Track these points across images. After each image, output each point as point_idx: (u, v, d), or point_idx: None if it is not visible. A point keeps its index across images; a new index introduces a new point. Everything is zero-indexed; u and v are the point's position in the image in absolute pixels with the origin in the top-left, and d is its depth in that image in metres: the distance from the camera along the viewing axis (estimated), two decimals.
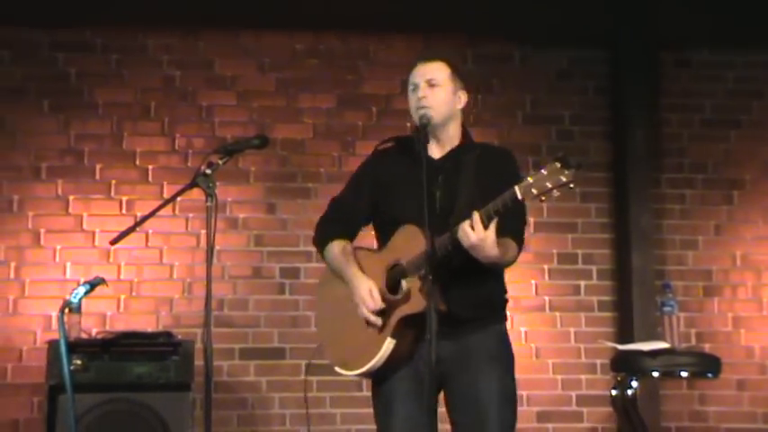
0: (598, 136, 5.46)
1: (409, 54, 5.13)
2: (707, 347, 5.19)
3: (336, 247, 3.03)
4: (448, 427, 2.92)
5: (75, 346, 4.09)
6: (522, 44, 5.48)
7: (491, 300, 2.98)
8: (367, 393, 3.10)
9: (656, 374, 4.30)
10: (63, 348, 2.92)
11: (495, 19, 5.30)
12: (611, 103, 5.48)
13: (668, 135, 5.49)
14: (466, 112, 3.09)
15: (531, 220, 5.24)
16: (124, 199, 5.07)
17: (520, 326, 5.19)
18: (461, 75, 3.05)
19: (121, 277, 4.99)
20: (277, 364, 4.98)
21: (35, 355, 4.74)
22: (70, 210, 5.02)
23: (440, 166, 2.89)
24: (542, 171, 2.61)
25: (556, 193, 2.62)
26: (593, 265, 5.33)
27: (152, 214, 3.04)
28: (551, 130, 5.42)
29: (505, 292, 3.03)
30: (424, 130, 2.85)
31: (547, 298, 5.28)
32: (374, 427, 2.98)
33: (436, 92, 2.96)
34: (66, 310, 2.93)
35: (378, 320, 2.84)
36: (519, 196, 2.63)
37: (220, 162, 2.94)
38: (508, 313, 3.04)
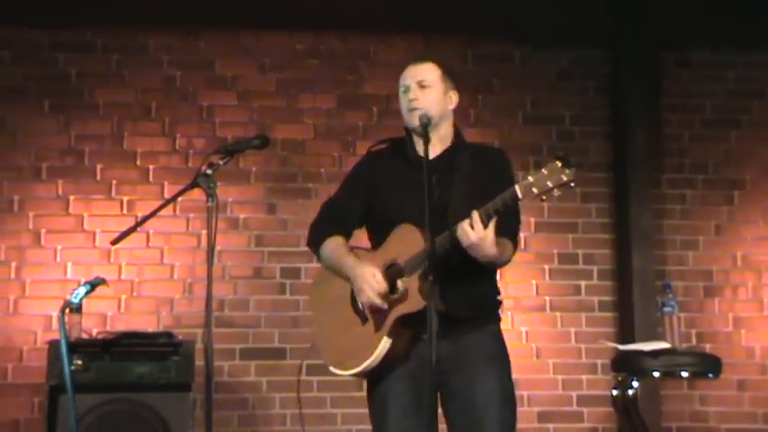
0: (598, 136, 5.46)
1: (409, 54, 5.09)
2: (707, 348, 5.19)
3: (332, 243, 3.03)
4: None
5: (75, 347, 4.09)
6: (523, 44, 5.48)
7: (487, 300, 2.99)
8: None
9: (656, 375, 4.30)
10: (64, 348, 2.92)
11: (495, 19, 5.30)
12: (611, 104, 5.48)
13: (669, 135, 5.49)
14: (457, 112, 3.09)
15: (531, 220, 5.27)
16: (125, 199, 5.07)
17: (520, 326, 5.19)
18: (452, 75, 3.06)
19: (122, 277, 4.99)
20: (278, 365, 4.98)
21: (36, 356, 4.75)
22: (71, 210, 5.02)
23: (434, 167, 2.88)
24: (543, 170, 2.62)
25: (556, 192, 2.63)
26: (594, 266, 5.34)
27: (153, 214, 3.04)
28: (552, 130, 5.42)
29: (499, 293, 3.04)
30: (425, 130, 2.85)
31: (547, 298, 5.28)
32: None
33: (427, 93, 2.97)
34: (67, 311, 2.93)
35: (384, 304, 2.83)
36: (519, 195, 2.64)
37: (221, 162, 2.94)
38: (501, 314, 3.04)
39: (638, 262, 5.19)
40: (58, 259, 4.97)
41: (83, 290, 2.91)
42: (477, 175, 2.91)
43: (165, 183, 5.09)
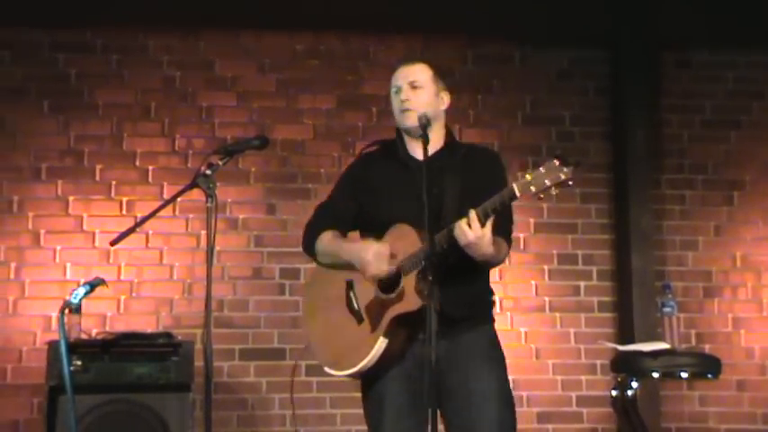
0: (598, 137, 5.46)
1: (409, 55, 5.14)
2: (707, 348, 5.19)
3: (328, 235, 3.04)
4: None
5: (75, 347, 4.09)
6: (522, 44, 5.48)
7: (482, 299, 3.01)
8: None
9: (656, 375, 4.29)
10: (63, 349, 2.91)
11: (495, 19, 5.30)
12: (611, 104, 5.48)
13: (668, 136, 5.49)
14: (450, 112, 3.10)
15: (530, 220, 5.28)
16: (124, 200, 5.07)
17: (520, 326, 5.19)
18: (442, 76, 3.07)
19: (121, 278, 4.99)
20: (277, 365, 4.98)
21: (35, 356, 4.75)
22: (70, 210, 5.02)
23: (427, 167, 2.87)
24: (541, 169, 2.63)
25: (554, 190, 2.63)
26: (594, 266, 5.34)
27: (152, 215, 3.04)
28: (551, 130, 5.42)
29: (493, 293, 3.05)
30: (425, 131, 2.85)
31: (547, 298, 5.28)
32: None
33: (419, 93, 2.99)
34: (67, 311, 2.92)
35: (392, 268, 2.81)
36: (517, 194, 2.65)
37: (220, 163, 2.94)
38: (494, 314, 3.05)
39: (638, 262, 5.19)
40: (58, 260, 4.97)
41: (82, 290, 2.90)
42: (471, 175, 2.92)
43: (165, 183, 5.09)
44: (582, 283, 5.31)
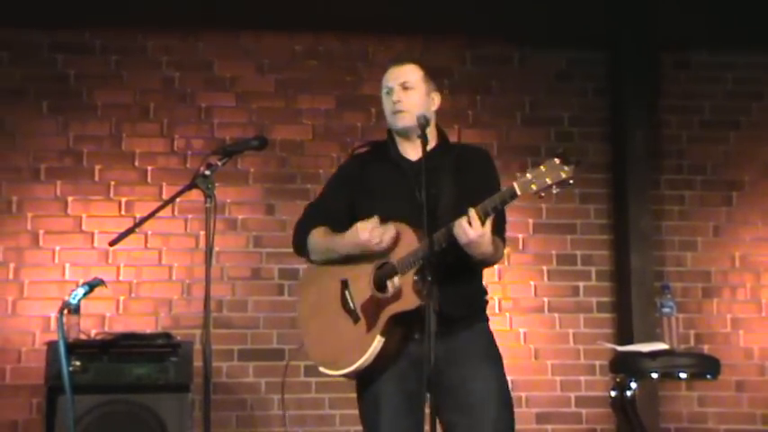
0: (597, 137, 5.46)
1: (409, 55, 5.14)
2: (706, 349, 5.19)
3: (319, 231, 3.04)
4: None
5: (74, 348, 4.10)
6: (522, 45, 5.48)
7: (478, 298, 3.01)
8: None
9: (655, 376, 4.30)
10: (62, 349, 2.92)
11: (495, 20, 5.30)
12: (610, 105, 5.48)
13: (667, 136, 5.49)
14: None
15: (529, 221, 5.27)
16: (123, 200, 5.07)
17: (519, 327, 5.19)
18: (433, 76, 3.07)
19: (120, 278, 4.99)
20: (276, 366, 4.97)
21: (34, 357, 4.74)
22: (69, 211, 5.02)
23: (420, 168, 2.88)
24: (541, 167, 2.63)
25: (555, 189, 2.63)
26: (593, 267, 5.34)
27: (151, 215, 3.03)
28: (550, 131, 5.42)
29: (486, 292, 3.06)
30: (423, 131, 2.85)
31: (546, 299, 5.28)
32: None
33: (410, 95, 2.99)
34: (65, 312, 2.93)
35: (392, 232, 2.82)
36: (518, 193, 2.66)
37: (219, 163, 2.94)
38: (488, 313, 3.05)
39: (637, 263, 5.19)
40: (57, 260, 4.97)
41: (81, 291, 2.91)
42: (464, 175, 2.94)
43: (164, 184, 5.09)
44: (581, 284, 5.31)
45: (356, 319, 2.90)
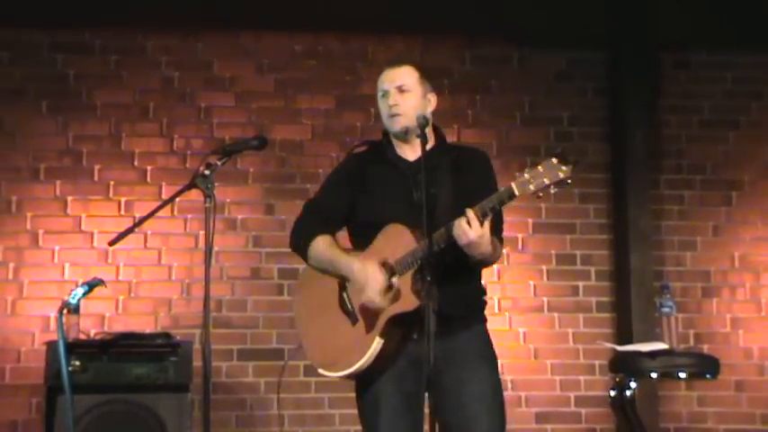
0: (597, 137, 5.46)
1: (408, 55, 5.14)
2: (705, 348, 5.19)
3: (323, 242, 3.00)
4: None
5: (73, 347, 4.09)
6: (521, 45, 5.48)
7: (478, 298, 3.01)
8: None
9: (654, 375, 4.30)
10: (61, 349, 2.92)
11: (495, 20, 5.30)
12: (609, 105, 5.48)
13: (667, 136, 5.49)
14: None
15: (529, 221, 5.27)
16: (123, 200, 5.07)
17: (518, 326, 5.18)
18: (429, 77, 3.07)
19: (120, 278, 4.99)
20: (276, 365, 4.97)
21: (34, 356, 4.75)
22: (69, 210, 5.02)
23: (418, 168, 2.87)
24: (539, 167, 2.63)
25: (553, 189, 2.63)
26: (592, 266, 5.34)
27: (150, 215, 3.04)
28: (550, 131, 5.42)
29: (485, 293, 3.05)
30: (422, 131, 2.84)
31: (545, 299, 5.27)
32: None
33: (407, 97, 2.98)
34: (65, 311, 2.93)
35: (385, 302, 2.80)
36: (516, 193, 2.66)
37: (219, 163, 2.95)
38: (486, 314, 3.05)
39: (636, 263, 5.19)
40: (56, 260, 4.97)
41: (80, 291, 2.91)
42: (462, 176, 2.94)
43: (163, 183, 5.09)
44: (580, 284, 5.31)
45: (355, 321, 2.89)
